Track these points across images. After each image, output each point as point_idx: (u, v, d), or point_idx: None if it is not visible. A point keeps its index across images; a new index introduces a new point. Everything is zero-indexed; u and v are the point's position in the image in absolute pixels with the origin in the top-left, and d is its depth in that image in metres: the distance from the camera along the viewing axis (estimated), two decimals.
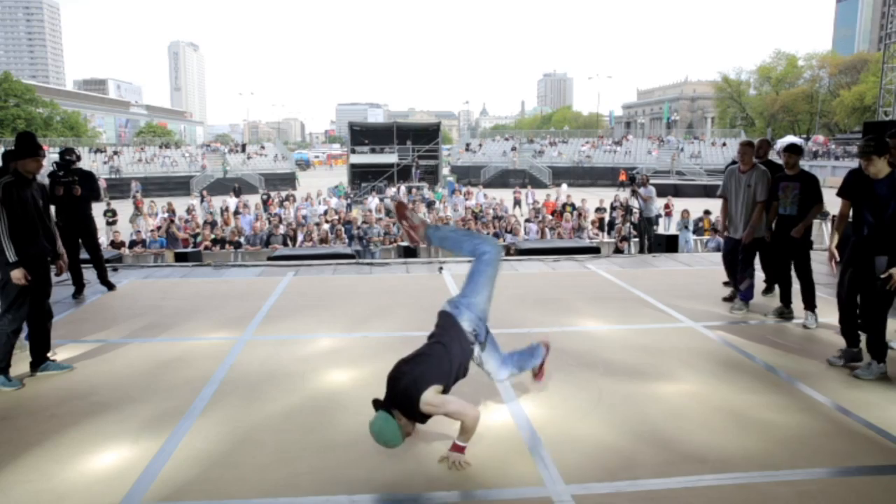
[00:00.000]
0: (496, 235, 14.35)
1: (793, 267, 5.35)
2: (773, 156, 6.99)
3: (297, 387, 3.95)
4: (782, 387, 3.95)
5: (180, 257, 10.86)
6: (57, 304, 5.97)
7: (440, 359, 2.97)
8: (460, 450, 2.98)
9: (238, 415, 3.55)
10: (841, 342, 4.43)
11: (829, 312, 5.12)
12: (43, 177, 5.70)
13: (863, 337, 4.32)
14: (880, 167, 4.07)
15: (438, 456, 3.04)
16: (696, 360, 4.43)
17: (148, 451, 3.12)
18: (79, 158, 6.83)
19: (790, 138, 49.14)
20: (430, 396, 2.83)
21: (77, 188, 6.36)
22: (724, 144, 45.92)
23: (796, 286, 5.36)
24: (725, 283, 6.62)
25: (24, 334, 4.27)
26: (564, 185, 29.43)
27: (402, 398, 2.86)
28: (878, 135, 4.20)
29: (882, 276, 3.96)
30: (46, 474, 2.91)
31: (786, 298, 5.48)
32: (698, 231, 15.11)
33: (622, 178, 37.99)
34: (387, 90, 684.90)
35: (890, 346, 4.61)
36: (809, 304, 5.22)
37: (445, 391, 2.96)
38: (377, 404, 2.90)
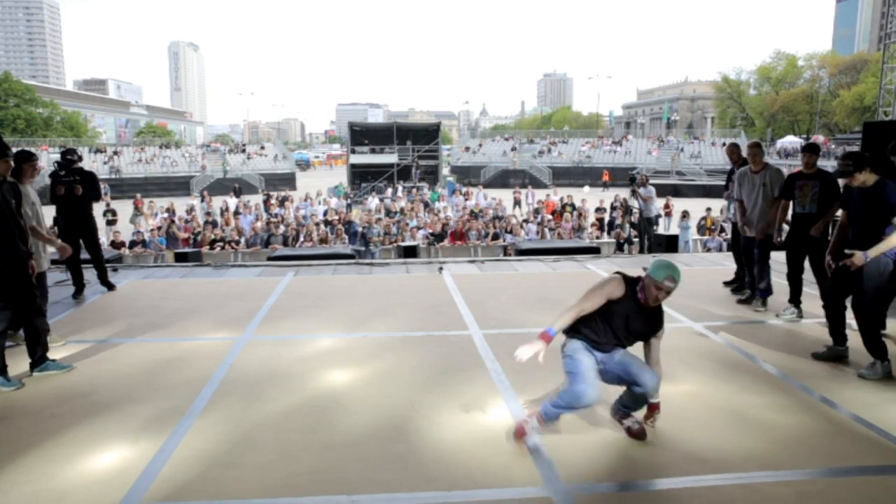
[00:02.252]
0: (496, 236, 14.35)
1: (808, 264, 5.35)
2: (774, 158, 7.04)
3: (297, 387, 3.95)
4: (782, 387, 3.95)
5: (180, 257, 10.85)
6: (57, 305, 5.98)
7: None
8: (658, 407, 3.17)
9: (238, 415, 3.55)
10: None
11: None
12: (44, 177, 5.70)
13: (851, 337, 4.38)
14: (864, 179, 4.17)
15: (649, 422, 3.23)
16: (697, 360, 4.43)
17: (148, 451, 3.12)
18: (80, 158, 6.84)
19: (790, 139, 49.24)
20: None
21: (78, 188, 6.37)
22: (724, 144, 45.75)
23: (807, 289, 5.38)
24: (726, 284, 6.64)
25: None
26: (587, 188, 29.32)
27: None
28: (854, 153, 4.33)
29: (846, 253, 4.05)
30: (46, 474, 2.91)
31: (796, 297, 5.47)
32: (701, 230, 15.13)
33: (605, 178, 38.15)
34: (387, 90, 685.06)
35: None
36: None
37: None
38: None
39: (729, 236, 10.22)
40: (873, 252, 3.95)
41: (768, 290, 5.76)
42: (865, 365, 4.18)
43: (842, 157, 4.34)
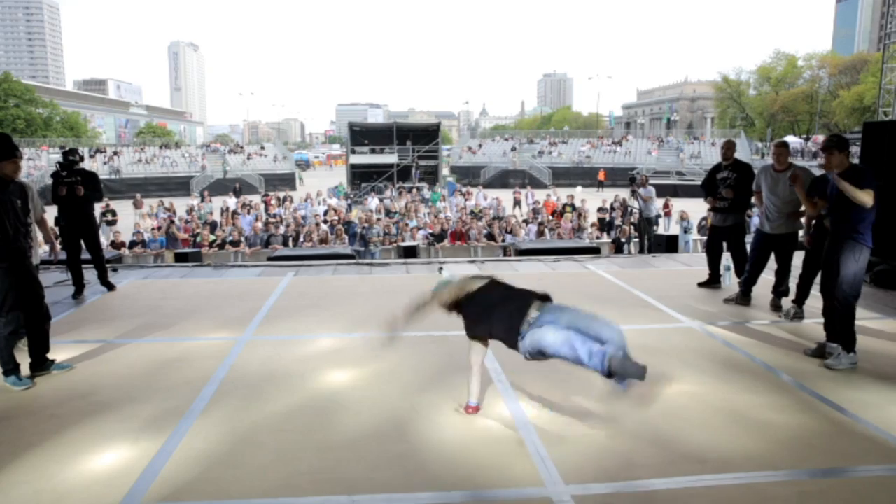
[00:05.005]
0: (491, 236, 14.33)
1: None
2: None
3: (297, 387, 3.95)
4: (782, 387, 3.95)
5: (180, 257, 10.84)
6: (57, 305, 5.98)
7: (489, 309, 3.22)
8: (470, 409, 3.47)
9: (238, 415, 3.55)
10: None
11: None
12: (46, 177, 5.72)
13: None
14: (840, 161, 4.24)
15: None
16: (696, 360, 4.43)
17: (148, 451, 3.12)
18: (82, 159, 6.85)
19: (790, 139, 49.24)
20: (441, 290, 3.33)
21: (80, 188, 6.38)
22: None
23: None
24: (700, 284, 6.66)
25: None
26: (580, 188, 29.72)
27: None
28: (835, 135, 4.45)
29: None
30: (46, 474, 2.91)
31: (801, 298, 5.49)
32: (701, 230, 15.12)
33: (601, 177, 38.21)
34: (387, 90, 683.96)
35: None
36: None
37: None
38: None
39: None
40: (840, 182, 4.07)
41: (787, 292, 5.79)
42: (832, 355, 4.25)
43: (825, 139, 4.41)
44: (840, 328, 4.23)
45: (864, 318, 4.37)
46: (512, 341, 3.12)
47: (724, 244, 6.60)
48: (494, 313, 3.16)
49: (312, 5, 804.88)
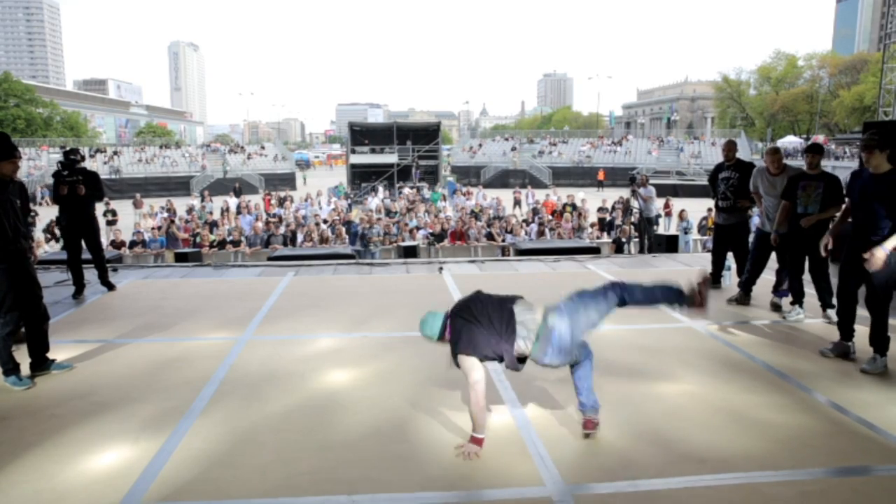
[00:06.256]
0: (490, 236, 14.33)
1: (808, 265, 5.37)
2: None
3: (297, 387, 3.95)
4: (782, 387, 3.95)
5: (180, 257, 10.84)
6: (57, 305, 5.98)
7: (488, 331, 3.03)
8: (476, 441, 3.05)
9: (238, 415, 3.55)
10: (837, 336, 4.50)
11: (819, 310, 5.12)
12: (46, 177, 5.74)
13: (858, 331, 4.44)
14: (880, 162, 4.11)
15: (454, 446, 3.14)
16: (696, 360, 4.43)
17: (148, 451, 3.12)
18: (83, 158, 6.85)
19: (790, 139, 49.23)
20: (462, 358, 3.01)
21: (81, 188, 6.38)
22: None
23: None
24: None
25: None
26: (582, 193, 29.99)
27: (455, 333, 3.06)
28: (883, 130, 4.22)
29: (864, 255, 4.02)
30: (46, 474, 2.91)
31: (799, 298, 5.49)
32: (701, 230, 15.12)
33: (600, 177, 38.30)
34: (387, 90, 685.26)
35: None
36: (825, 302, 5.32)
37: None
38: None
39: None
40: (889, 244, 3.94)
41: (787, 291, 5.80)
42: (866, 359, 4.22)
43: (869, 131, 4.29)
44: (875, 333, 4.19)
45: (864, 318, 4.36)
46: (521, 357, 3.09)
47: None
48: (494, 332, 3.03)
49: (312, 5, 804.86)
